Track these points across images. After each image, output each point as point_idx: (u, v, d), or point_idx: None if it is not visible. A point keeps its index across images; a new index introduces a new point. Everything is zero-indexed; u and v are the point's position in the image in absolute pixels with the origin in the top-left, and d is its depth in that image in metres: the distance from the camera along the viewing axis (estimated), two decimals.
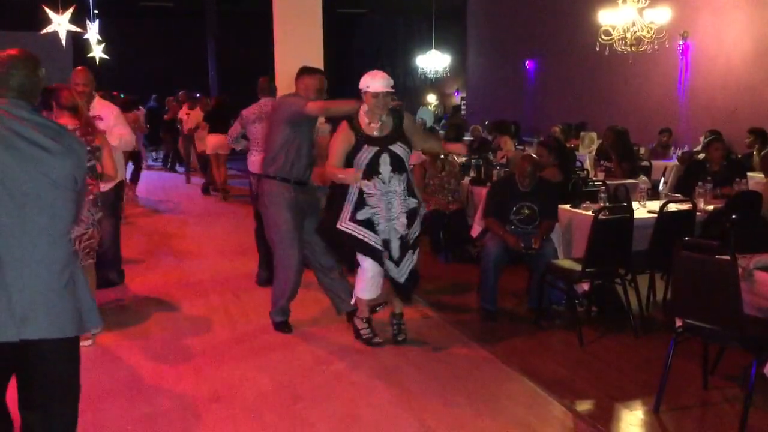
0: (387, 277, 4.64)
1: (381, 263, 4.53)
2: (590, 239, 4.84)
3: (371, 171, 4.44)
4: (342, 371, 4.32)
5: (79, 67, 5.66)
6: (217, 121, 11.19)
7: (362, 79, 4.50)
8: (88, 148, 4.62)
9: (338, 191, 4.63)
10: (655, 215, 5.18)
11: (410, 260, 4.59)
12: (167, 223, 9.56)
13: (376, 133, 4.50)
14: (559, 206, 5.56)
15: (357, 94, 4.53)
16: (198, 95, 14.36)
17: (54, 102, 4.83)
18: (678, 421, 3.72)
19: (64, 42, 12.02)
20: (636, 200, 5.94)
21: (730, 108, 10.23)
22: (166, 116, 14.97)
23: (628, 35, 8.86)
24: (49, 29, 11.74)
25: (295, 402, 3.88)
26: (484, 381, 4.18)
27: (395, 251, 4.52)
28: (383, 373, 4.29)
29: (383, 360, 4.50)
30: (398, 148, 4.50)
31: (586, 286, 5.30)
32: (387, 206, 4.47)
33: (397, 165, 4.48)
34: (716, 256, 3.57)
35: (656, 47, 9.01)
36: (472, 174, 7.53)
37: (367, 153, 4.45)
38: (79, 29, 12.45)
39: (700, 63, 10.97)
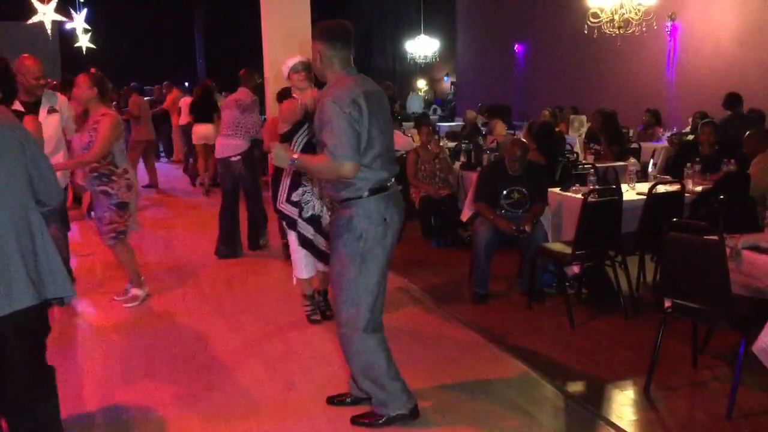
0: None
1: (312, 249, 4.69)
2: (580, 222, 4.86)
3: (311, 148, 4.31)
4: (334, 358, 4.33)
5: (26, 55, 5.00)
6: (204, 110, 10.36)
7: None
8: None
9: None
10: (644, 197, 5.22)
11: None
12: (157, 212, 9.53)
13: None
14: (549, 189, 5.59)
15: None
16: (186, 84, 14.12)
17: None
18: (668, 401, 3.76)
19: (49, 32, 11.94)
20: (625, 182, 5.97)
21: (718, 89, 10.25)
22: (163, 106, 14.56)
23: (617, 17, 8.86)
24: (34, 19, 11.66)
25: (289, 389, 3.90)
26: (475, 364, 4.21)
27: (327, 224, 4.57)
28: None
29: None
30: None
31: (576, 269, 5.34)
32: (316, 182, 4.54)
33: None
34: (704, 237, 3.60)
35: (644, 29, 9.01)
36: (463, 159, 7.54)
37: (308, 131, 4.51)
38: (64, 18, 12.36)
39: (688, 44, 10.99)
